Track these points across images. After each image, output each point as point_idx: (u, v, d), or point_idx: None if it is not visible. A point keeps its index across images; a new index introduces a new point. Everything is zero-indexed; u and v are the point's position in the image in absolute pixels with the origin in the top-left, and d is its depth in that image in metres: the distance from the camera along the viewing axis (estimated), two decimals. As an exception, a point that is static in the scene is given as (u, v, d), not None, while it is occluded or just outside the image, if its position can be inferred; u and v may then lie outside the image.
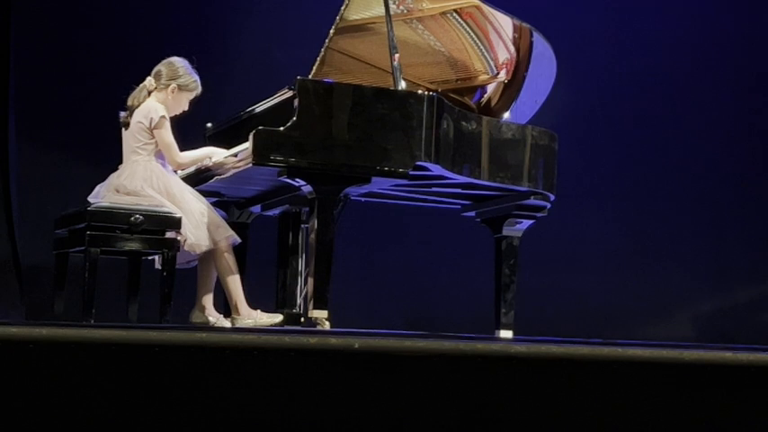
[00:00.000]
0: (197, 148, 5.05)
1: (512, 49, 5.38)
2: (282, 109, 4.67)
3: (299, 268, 5.32)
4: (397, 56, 4.82)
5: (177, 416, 2.90)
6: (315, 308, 4.54)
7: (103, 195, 4.74)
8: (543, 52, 5.38)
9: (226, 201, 5.32)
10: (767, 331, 7.33)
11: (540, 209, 5.26)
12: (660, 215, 7.66)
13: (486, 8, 5.23)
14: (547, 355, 3.14)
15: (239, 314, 4.81)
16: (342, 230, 5.10)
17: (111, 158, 4.91)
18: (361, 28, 5.13)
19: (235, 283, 4.83)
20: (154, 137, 4.78)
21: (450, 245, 7.12)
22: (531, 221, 5.30)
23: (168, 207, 4.68)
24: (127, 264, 5.02)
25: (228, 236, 4.82)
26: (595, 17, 7.62)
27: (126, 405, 2.87)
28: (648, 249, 7.61)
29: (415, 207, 5.61)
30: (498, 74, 5.40)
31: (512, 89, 5.42)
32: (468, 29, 5.26)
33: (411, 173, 4.63)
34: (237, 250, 4.91)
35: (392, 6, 4.97)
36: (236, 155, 4.75)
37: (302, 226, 5.33)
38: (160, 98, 4.85)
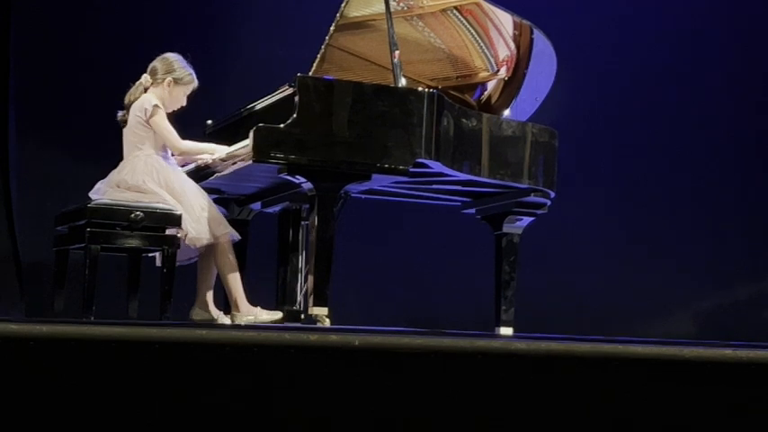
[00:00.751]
0: (198, 147, 5.06)
1: (512, 46, 5.37)
2: (283, 106, 4.67)
3: (300, 265, 5.33)
4: (397, 53, 4.82)
5: (177, 412, 2.90)
6: (315, 305, 4.54)
7: (104, 191, 4.75)
8: (543, 49, 5.37)
9: (226, 198, 5.32)
10: (767, 328, 7.33)
11: (541, 206, 5.26)
12: (661, 211, 7.66)
13: (487, 5, 5.23)
14: (547, 352, 3.14)
15: (239, 311, 4.81)
16: (342, 228, 5.10)
17: (111, 156, 4.91)
18: (361, 25, 5.13)
19: (235, 280, 4.83)
20: (152, 129, 4.78)
21: (451, 242, 7.12)
22: (532, 218, 5.30)
23: (169, 202, 4.68)
24: (127, 261, 5.02)
25: (228, 232, 4.82)
26: (596, 14, 7.62)
27: (126, 402, 2.87)
28: (649, 246, 7.60)
29: (415, 204, 5.61)
30: (498, 71, 5.40)
31: (512, 86, 5.42)
32: (468, 26, 5.26)
33: (411, 170, 4.63)
34: (237, 247, 4.91)
35: (392, 3, 4.96)
36: (236, 152, 4.75)
37: (302, 223, 5.34)
38: (157, 94, 4.86)
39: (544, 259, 7.04)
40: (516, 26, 5.35)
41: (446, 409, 3.06)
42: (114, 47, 6.59)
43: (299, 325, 5.02)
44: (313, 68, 4.97)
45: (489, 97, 5.48)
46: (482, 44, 5.31)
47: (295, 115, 4.50)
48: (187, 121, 5.00)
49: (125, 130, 4.87)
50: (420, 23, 5.23)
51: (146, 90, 4.87)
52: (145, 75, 4.89)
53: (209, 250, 4.83)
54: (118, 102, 4.92)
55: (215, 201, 5.02)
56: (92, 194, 4.78)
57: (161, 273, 4.66)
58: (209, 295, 4.95)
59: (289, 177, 4.58)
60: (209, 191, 5.00)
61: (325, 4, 5.23)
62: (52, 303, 4.89)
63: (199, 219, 4.74)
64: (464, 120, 4.85)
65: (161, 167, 4.79)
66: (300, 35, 5.90)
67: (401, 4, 5.14)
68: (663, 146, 7.72)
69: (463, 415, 3.07)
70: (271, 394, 2.96)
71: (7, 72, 6.48)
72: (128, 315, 4.95)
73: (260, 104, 4.99)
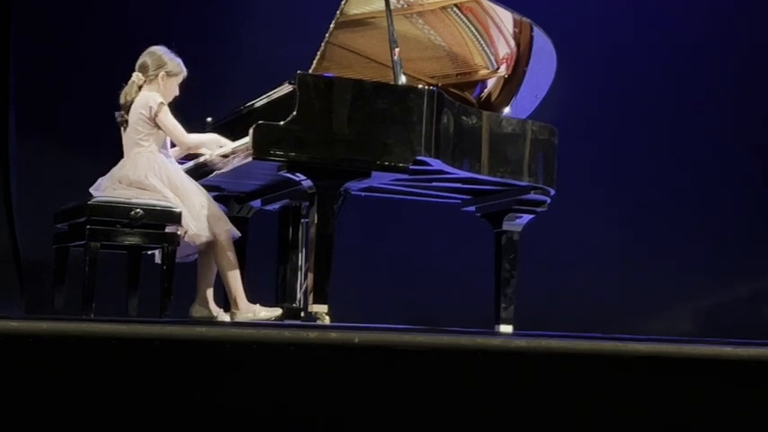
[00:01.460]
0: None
1: (512, 43, 5.37)
2: (282, 103, 4.67)
3: (299, 263, 5.33)
4: (397, 50, 4.81)
5: (177, 410, 2.90)
6: (315, 302, 4.54)
7: (105, 187, 4.75)
8: (543, 47, 5.37)
9: (226, 195, 5.32)
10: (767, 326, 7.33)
11: (541, 203, 5.25)
12: (661, 209, 7.66)
13: (487, 3, 5.23)
14: (547, 349, 3.14)
15: (239, 308, 4.81)
16: (342, 225, 5.10)
17: (111, 154, 4.91)
18: (361, 22, 5.13)
19: (234, 278, 4.83)
20: (155, 126, 4.79)
21: (451, 240, 7.12)
22: (531, 216, 5.30)
23: (170, 198, 4.69)
24: (127, 258, 5.02)
25: (228, 229, 4.82)
26: (596, 13, 7.62)
27: (126, 399, 2.87)
28: (649, 244, 7.61)
29: (415, 202, 5.61)
30: (498, 68, 5.40)
31: (512, 84, 5.42)
32: (468, 23, 5.26)
33: (411, 167, 4.63)
34: (237, 245, 4.91)
35: (392, 1, 4.96)
36: (236, 149, 4.75)
37: (302, 220, 5.34)
38: (153, 89, 4.86)
39: (544, 257, 7.04)
40: (516, 24, 5.35)
41: (446, 407, 3.06)
42: (114, 47, 6.57)
43: (298, 322, 5.02)
44: (313, 66, 4.97)
45: (489, 95, 5.48)
46: (482, 42, 5.31)
47: (295, 112, 4.50)
48: (188, 119, 5.00)
49: (125, 131, 4.86)
50: (420, 21, 5.23)
51: (140, 88, 4.87)
52: (136, 73, 4.88)
53: (209, 247, 4.83)
54: (118, 101, 4.91)
55: (215, 198, 5.03)
56: (92, 190, 4.79)
57: (161, 270, 4.67)
58: (209, 292, 4.95)
59: (288, 175, 4.58)
60: (209, 188, 5.00)
61: (325, 2, 5.22)
62: (52, 301, 4.89)
63: (199, 216, 4.74)
64: (464, 117, 4.85)
65: (163, 164, 4.80)
66: (300, 33, 5.90)
67: (401, 2, 5.14)
68: (663, 146, 7.72)
69: (463, 412, 3.07)
70: (270, 391, 2.96)
71: (7, 72, 6.49)
72: (128, 312, 4.95)
73: (260, 102, 4.99)
